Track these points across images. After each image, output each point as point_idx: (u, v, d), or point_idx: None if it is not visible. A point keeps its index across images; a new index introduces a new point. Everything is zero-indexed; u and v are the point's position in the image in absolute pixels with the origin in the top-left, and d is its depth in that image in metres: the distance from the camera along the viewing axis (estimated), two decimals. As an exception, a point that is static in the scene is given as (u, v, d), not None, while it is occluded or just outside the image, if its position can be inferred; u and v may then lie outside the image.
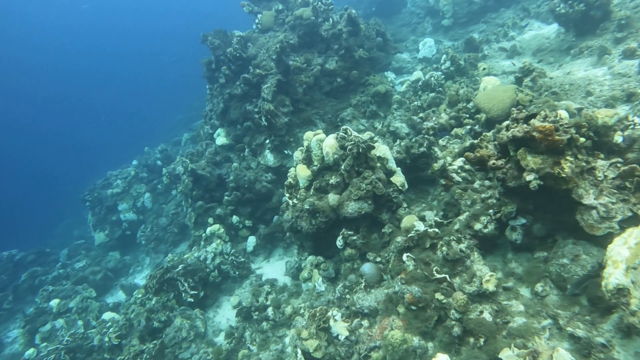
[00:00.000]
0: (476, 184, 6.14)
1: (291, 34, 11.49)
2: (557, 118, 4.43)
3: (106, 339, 8.32)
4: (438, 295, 4.84)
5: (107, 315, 9.41)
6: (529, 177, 4.52)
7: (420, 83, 10.20)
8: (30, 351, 9.95)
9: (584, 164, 4.42)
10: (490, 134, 5.32)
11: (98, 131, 51.74)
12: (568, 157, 4.33)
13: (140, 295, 8.60)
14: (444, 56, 10.95)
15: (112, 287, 12.63)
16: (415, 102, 9.35)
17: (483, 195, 5.82)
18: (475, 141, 6.65)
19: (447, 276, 5.03)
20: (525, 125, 4.57)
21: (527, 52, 11.17)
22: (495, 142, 4.99)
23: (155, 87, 54.35)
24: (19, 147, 53.42)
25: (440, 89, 9.84)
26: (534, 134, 4.46)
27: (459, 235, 5.50)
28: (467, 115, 7.66)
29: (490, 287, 4.58)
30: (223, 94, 10.99)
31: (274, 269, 9.00)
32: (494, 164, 4.82)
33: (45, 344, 10.09)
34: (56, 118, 58.17)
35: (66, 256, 15.37)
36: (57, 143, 53.37)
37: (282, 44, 10.05)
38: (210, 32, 11.34)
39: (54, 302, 10.91)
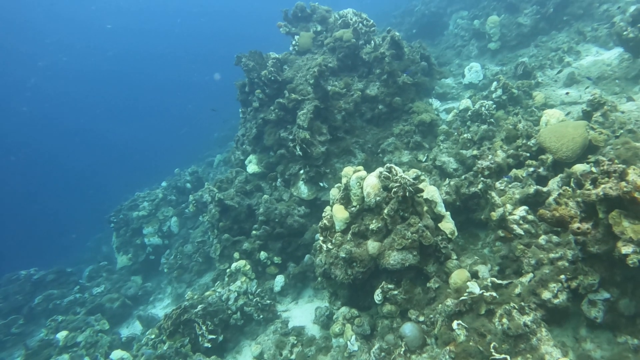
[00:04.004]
0: (541, 240, 5.22)
1: (330, 57, 10.92)
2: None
3: (110, 386, 7.64)
4: (498, 380, 3.95)
5: (116, 355, 8.68)
6: (626, 249, 3.64)
7: (469, 113, 9.33)
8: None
9: None
10: (570, 188, 4.39)
11: (137, 146, 53.15)
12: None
13: (153, 336, 7.97)
14: (495, 83, 10.05)
15: (130, 315, 12.12)
16: (465, 135, 8.47)
17: (552, 255, 4.90)
18: (542, 188, 5.77)
19: (508, 357, 4.15)
20: (623, 183, 3.67)
21: (587, 81, 10.10)
22: (578, 199, 4.08)
23: (194, 105, 55.58)
24: (56, 157, 55.40)
25: (492, 120, 8.94)
26: (636, 195, 3.56)
27: (522, 304, 4.63)
28: (528, 155, 6.71)
29: (566, 378, 3.65)
30: (256, 118, 10.50)
31: (302, 312, 8.23)
32: (578, 228, 3.91)
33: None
34: (100, 129, 60.32)
35: (87, 278, 14.94)
36: (97, 155, 55.11)
37: (320, 67, 9.46)
38: (245, 54, 10.93)
39: (62, 335, 10.19)
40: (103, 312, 11.74)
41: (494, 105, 9.34)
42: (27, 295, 13.66)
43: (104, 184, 39.85)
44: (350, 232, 6.16)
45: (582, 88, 9.70)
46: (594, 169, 5.10)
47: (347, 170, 6.56)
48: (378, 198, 5.92)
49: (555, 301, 4.44)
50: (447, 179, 7.43)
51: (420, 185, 6.00)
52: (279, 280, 8.64)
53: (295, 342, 6.91)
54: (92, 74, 62.78)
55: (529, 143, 6.79)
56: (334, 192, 6.77)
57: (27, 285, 13.97)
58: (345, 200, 6.48)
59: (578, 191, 4.18)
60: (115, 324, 11.83)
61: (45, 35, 55.87)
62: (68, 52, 60.31)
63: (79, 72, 61.48)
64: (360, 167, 6.48)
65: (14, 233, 38.31)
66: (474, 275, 5.77)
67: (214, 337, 7.51)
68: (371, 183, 6.04)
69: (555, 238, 5.07)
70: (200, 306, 7.72)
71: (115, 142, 56.94)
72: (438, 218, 6.27)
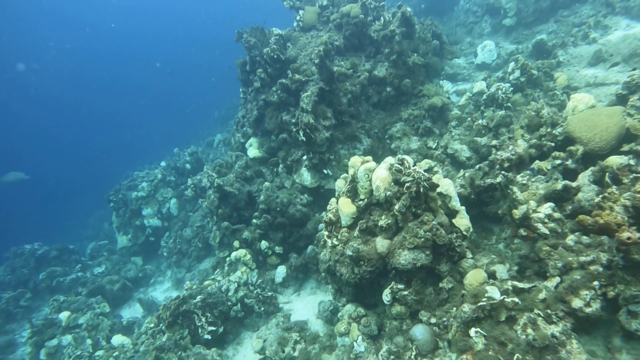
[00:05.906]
0: (569, 240, 4.72)
1: (336, 34, 10.22)
2: None
3: (111, 372, 7.47)
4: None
5: (117, 340, 8.51)
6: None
7: (484, 97, 8.70)
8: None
9: None
10: (615, 189, 3.87)
11: (137, 123, 52.95)
12: None
13: (152, 325, 7.69)
14: (513, 64, 9.36)
15: (131, 297, 11.94)
16: (480, 121, 7.88)
17: (582, 259, 4.42)
18: (571, 183, 5.26)
19: (533, 369, 3.78)
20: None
21: (616, 59, 9.36)
22: (627, 203, 3.58)
23: (193, 82, 54.70)
24: (61, 136, 55.38)
25: (509, 104, 8.32)
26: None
27: (549, 312, 4.19)
28: (553, 145, 6.16)
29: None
30: (257, 99, 9.90)
31: (304, 305, 7.89)
32: (629, 238, 3.42)
33: (48, 363, 9.24)
34: (101, 107, 60.05)
35: (89, 256, 14.78)
36: (101, 133, 55.05)
37: (325, 46, 8.79)
38: (246, 29, 10.22)
39: (64, 315, 10.02)
40: (104, 294, 11.51)
41: (511, 88, 8.72)
42: (32, 269, 13.68)
43: (105, 158, 39.66)
44: (358, 228, 5.71)
45: (608, 67, 9.00)
46: (632, 162, 4.59)
47: (355, 160, 6.03)
48: (388, 193, 5.42)
49: (587, 310, 4.02)
50: (461, 170, 6.92)
51: (434, 178, 5.50)
52: (281, 271, 8.27)
53: (298, 338, 6.57)
54: (95, 54, 62.22)
55: (554, 132, 6.21)
56: (340, 184, 6.27)
57: (31, 260, 13.93)
58: (352, 193, 6.00)
59: (632, 194, 3.66)
60: (116, 306, 11.64)
61: (57, 16, 55.09)
62: (73, 33, 59.52)
63: (84, 52, 60.82)
64: (369, 158, 5.96)
65: (18, 205, 38.51)
66: (491, 276, 5.35)
67: (213, 328, 7.21)
68: (381, 176, 5.53)
69: (585, 238, 4.57)
70: (199, 297, 7.39)
71: (117, 119, 56.85)
72: (452, 213, 5.80)
